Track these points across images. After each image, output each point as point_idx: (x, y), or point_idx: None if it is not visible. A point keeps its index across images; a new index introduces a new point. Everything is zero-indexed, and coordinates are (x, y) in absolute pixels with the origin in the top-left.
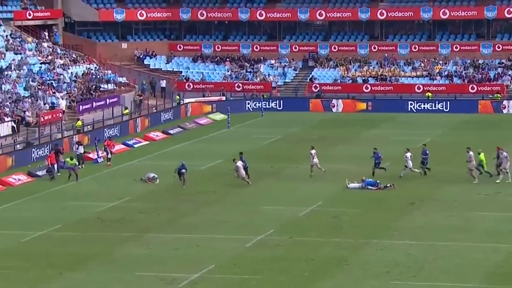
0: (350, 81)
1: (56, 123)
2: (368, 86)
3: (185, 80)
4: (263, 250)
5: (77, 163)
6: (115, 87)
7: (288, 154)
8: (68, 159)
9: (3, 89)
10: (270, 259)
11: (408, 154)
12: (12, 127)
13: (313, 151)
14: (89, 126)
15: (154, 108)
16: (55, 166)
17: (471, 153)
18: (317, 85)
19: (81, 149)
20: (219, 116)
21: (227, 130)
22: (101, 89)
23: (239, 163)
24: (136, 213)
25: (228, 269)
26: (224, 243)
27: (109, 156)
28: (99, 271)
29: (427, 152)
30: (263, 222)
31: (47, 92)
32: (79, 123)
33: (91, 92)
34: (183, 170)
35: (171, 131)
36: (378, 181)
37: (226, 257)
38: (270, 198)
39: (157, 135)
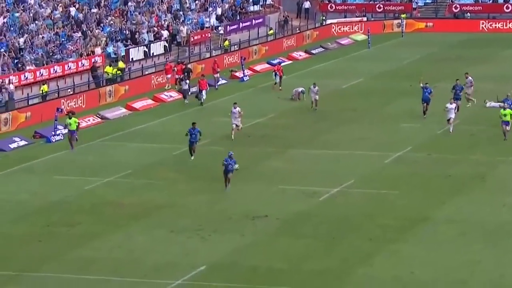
0: (491, 1)
1: (205, 42)
2: (509, 5)
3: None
4: (401, 166)
5: (78, 123)
6: (260, 8)
7: (428, 74)
8: (68, 119)
9: (156, 11)
10: (408, 174)
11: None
12: (165, 46)
13: (315, 88)
14: (235, 46)
15: (297, 29)
16: (204, 92)
17: (470, 78)
18: (458, 6)
19: (185, 85)
20: (360, 37)
21: (367, 50)
22: (247, 10)
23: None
24: (279, 129)
25: (367, 184)
26: (364, 159)
27: (278, 80)
28: (244, 184)
29: (463, 87)
30: (402, 139)
31: (198, 12)
32: (227, 43)
33: (238, 13)
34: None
35: (313, 51)
36: None
37: (365, 172)
38: (409, 116)
39: (300, 55)
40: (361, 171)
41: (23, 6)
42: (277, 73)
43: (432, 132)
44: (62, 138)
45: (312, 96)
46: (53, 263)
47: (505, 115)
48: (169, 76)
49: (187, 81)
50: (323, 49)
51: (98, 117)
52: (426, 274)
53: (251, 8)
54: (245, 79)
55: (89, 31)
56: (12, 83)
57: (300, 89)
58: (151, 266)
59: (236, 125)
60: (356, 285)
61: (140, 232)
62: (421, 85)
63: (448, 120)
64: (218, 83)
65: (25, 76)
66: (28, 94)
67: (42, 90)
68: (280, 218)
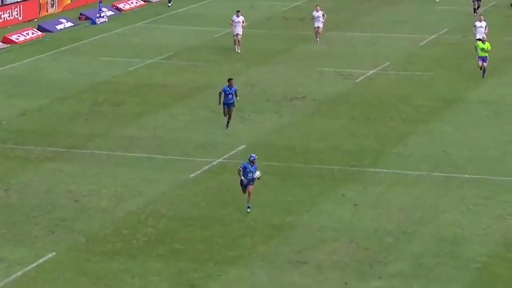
0: None
1: None
2: None
3: None
4: (436, 48)
5: None
6: None
7: None
8: None
9: None
10: (443, 56)
11: None
12: None
13: (318, 12)
14: None
15: None
16: None
17: None
18: None
19: None
20: None
21: None
22: None
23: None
24: None
25: (402, 66)
26: (399, 42)
27: None
28: (282, 65)
29: None
30: (438, 21)
31: None
32: None
33: None
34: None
35: None
36: None
37: (400, 54)
38: None
39: None
40: (397, 53)
41: None
42: None
43: (468, 14)
44: (106, 20)
45: (316, 23)
46: (99, 140)
47: (482, 49)
48: None
49: None
50: None
51: (142, 0)
52: (459, 153)
53: None
54: None
55: None
56: None
57: None
58: (193, 145)
59: (239, 34)
60: (391, 163)
61: (182, 113)
62: None
63: (479, 40)
64: None
65: None
66: None
67: None
68: (317, 99)
